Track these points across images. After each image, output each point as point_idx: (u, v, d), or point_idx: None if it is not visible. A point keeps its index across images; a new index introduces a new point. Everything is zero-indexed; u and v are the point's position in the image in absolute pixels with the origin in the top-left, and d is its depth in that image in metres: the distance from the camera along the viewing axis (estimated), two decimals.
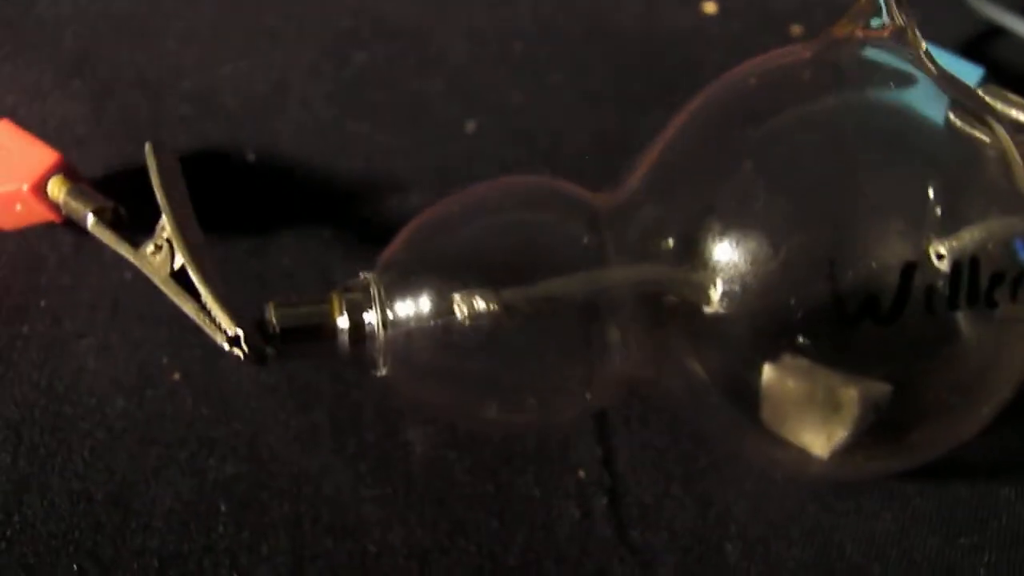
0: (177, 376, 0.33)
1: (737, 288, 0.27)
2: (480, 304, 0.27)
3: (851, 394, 0.29)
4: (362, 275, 0.28)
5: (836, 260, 0.26)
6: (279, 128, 0.42)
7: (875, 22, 0.29)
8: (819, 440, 0.30)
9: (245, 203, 0.39)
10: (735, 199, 0.27)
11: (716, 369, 0.29)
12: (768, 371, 0.29)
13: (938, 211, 0.27)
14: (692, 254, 0.27)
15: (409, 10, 0.48)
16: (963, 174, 0.28)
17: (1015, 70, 0.48)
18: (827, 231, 0.27)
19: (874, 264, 0.27)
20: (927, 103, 0.29)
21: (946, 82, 0.29)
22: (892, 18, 0.29)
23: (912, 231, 0.27)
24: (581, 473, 0.32)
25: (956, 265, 0.27)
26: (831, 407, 0.29)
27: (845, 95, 0.29)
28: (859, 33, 0.29)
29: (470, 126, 0.41)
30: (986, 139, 0.29)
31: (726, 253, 0.27)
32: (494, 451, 0.32)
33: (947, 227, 0.27)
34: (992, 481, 0.32)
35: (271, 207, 0.39)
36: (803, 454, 0.29)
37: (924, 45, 0.30)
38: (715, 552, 0.30)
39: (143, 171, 0.33)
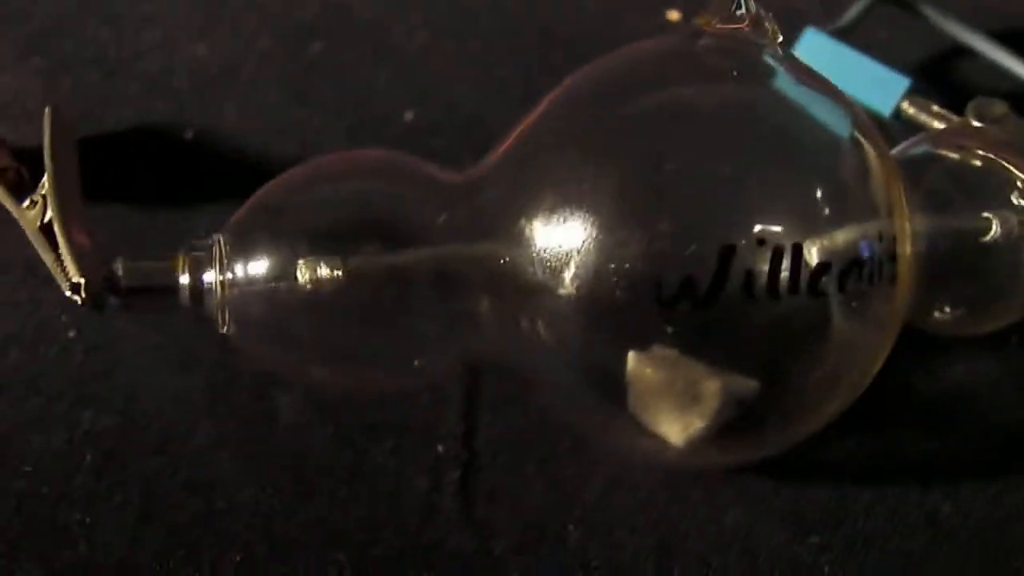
0: (72, 333, 0.34)
1: (580, 270, 0.27)
2: (324, 270, 0.28)
3: (712, 387, 0.29)
4: (213, 236, 0.29)
5: (657, 243, 0.27)
6: (223, 110, 0.43)
7: (739, 13, 0.30)
8: (675, 430, 0.30)
9: (176, 178, 0.40)
10: (568, 181, 0.28)
11: (570, 352, 0.29)
12: (632, 359, 0.29)
13: (770, 198, 0.27)
14: (536, 235, 0.28)
15: (377, 3, 0.50)
16: (808, 167, 0.28)
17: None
18: (653, 214, 0.27)
19: (694, 247, 0.27)
20: (775, 93, 0.29)
21: (804, 75, 0.29)
22: (748, 10, 0.29)
23: (735, 215, 0.27)
24: (440, 447, 0.32)
25: (776, 250, 0.27)
26: (691, 398, 0.30)
27: (692, 82, 0.29)
28: (718, 24, 0.30)
29: (408, 115, 0.42)
30: (843, 135, 0.29)
31: (562, 235, 0.27)
32: (360, 422, 0.32)
33: (780, 216, 0.27)
34: (854, 484, 0.32)
35: (200, 183, 0.40)
36: (661, 442, 0.30)
37: (780, 37, 0.30)
38: (556, 533, 0.31)
39: (83, 142, 0.35)
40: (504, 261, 0.28)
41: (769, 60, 0.29)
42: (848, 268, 0.27)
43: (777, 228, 0.27)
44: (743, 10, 0.29)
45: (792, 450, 0.31)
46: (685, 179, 0.27)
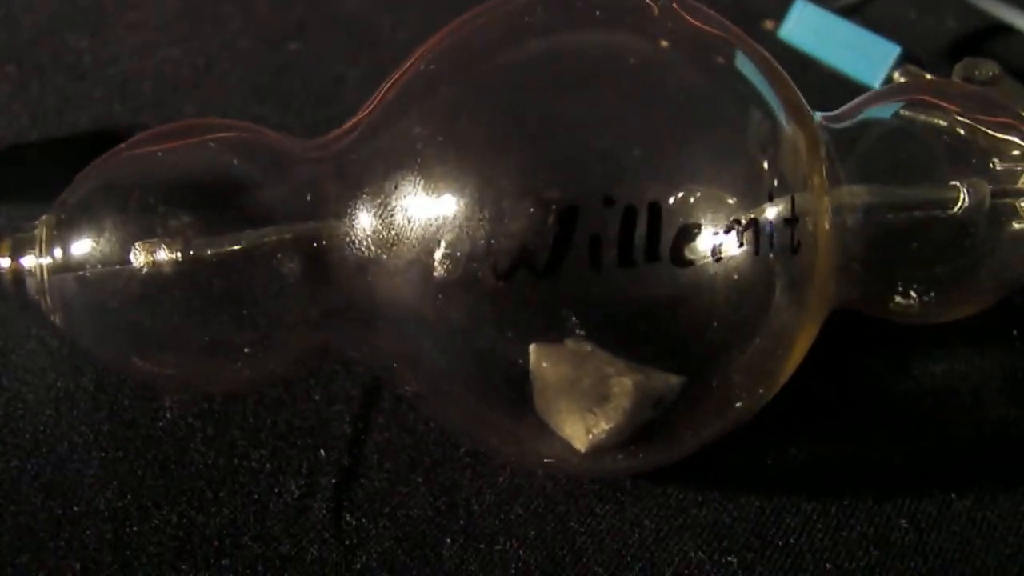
0: None
1: (450, 249, 0.24)
2: (162, 253, 0.25)
3: (624, 384, 0.26)
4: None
5: (491, 212, 0.24)
6: (182, 112, 0.42)
7: None
8: (579, 432, 0.26)
9: None
10: (418, 153, 0.25)
11: (450, 343, 0.26)
12: (534, 352, 0.26)
13: (622, 152, 0.24)
14: (392, 212, 0.25)
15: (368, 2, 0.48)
16: (673, 121, 0.24)
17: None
18: (496, 176, 0.24)
19: (532, 210, 0.23)
20: (646, 42, 0.25)
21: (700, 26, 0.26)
22: None
23: (576, 173, 0.23)
24: (322, 452, 0.29)
25: (628, 211, 0.23)
26: (598, 397, 0.26)
27: (546, 29, 0.26)
28: None
29: None
30: (730, 90, 0.25)
31: (423, 209, 0.24)
32: (245, 423, 0.30)
33: (631, 172, 0.24)
34: (795, 496, 0.28)
35: None
36: (565, 447, 0.26)
37: None
38: (432, 545, 0.27)
39: (31, 146, 0.36)
40: (358, 240, 0.25)
41: (665, 20, 0.26)
42: (725, 232, 0.23)
43: (630, 186, 0.23)
44: None
45: (721, 456, 0.28)
46: (532, 136, 0.24)
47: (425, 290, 0.24)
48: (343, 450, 0.29)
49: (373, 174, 0.24)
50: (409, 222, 0.24)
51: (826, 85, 0.39)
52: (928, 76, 0.35)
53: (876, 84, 0.36)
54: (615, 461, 0.27)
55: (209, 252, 0.26)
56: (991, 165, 0.28)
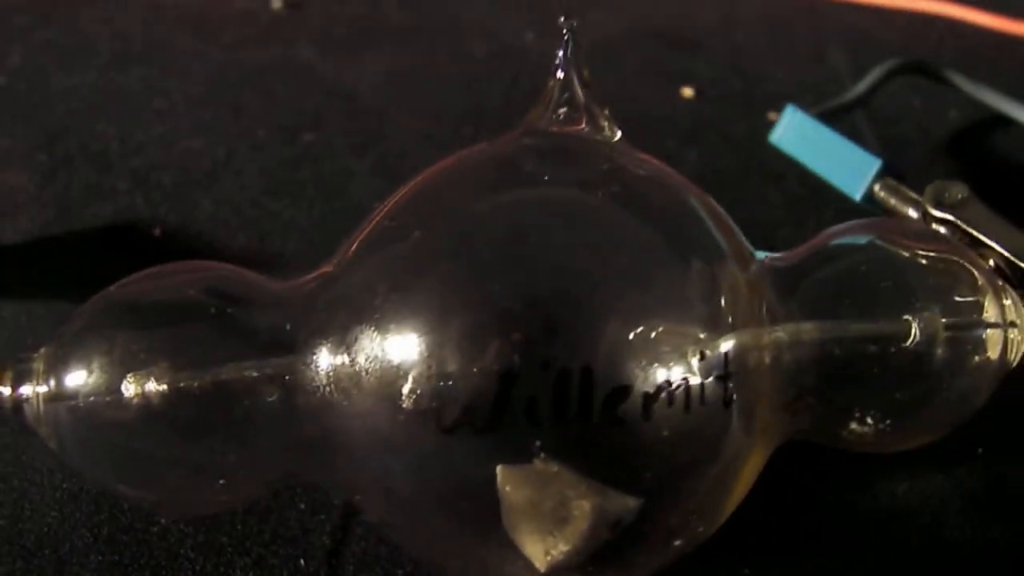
0: None
1: (416, 385, 0.26)
2: (152, 384, 0.27)
3: (583, 507, 0.27)
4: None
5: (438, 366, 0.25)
6: (199, 205, 0.44)
7: (560, 112, 0.28)
8: (539, 552, 0.28)
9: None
10: (385, 312, 0.26)
11: (423, 473, 0.27)
12: (501, 473, 0.27)
13: (561, 319, 0.25)
14: (361, 350, 0.27)
15: (380, 92, 0.50)
16: (610, 284, 0.26)
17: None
18: (442, 335, 0.26)
19: (475, 371, 0.25)
20: (587, 199, 0.27)
21: (642, 173, 0.27)
22: (579, 106, 0.27)
23: (518, 337, 0.25)
24: (302, 562, 0.31)
25: (563, 374, 0.24)
26: (559, 518, 0.27)
27: (509, 188, 0.27)
28: (552, 120, 0.28)
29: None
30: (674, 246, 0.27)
31: (390, 350, 0.26)
32: (232, 532, 0.32)
33: (569, 336, 0.25)
34: None
35: None
36: (528, 566, 0.28)
37: (618, 133, 0.28)
38: None
39: (53, 240, 0.37)
40: (320, 381, 0.27)
41: (600, 159, 0.27)
42: (656, 394, 0.25)
43: (566, 349, 0.25)
44: (565, 108, 0.27)
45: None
46: (477, 297, 0.26)
47: (388, 427, 0.26)
48: (322, 560, 0.31)
49: (334, 323, 0.26)
50: (367, 372, 0.25)
51: None
52: (904, 190, 0.36)
53: (857, 196, 0.37)
54: None
55: (195, 384, 0.27)
56: (947, 298, 0.29)
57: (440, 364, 0.25)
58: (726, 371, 0.25)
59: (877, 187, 0.37)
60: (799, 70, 0.54)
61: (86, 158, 0.47)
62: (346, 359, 0.26)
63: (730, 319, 0.26)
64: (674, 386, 0.25)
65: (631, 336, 0.25)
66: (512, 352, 0.25)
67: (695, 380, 0.25)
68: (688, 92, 0.48)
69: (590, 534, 0.27)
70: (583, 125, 0.28)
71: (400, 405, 0.25)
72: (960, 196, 0.33)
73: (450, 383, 0.25)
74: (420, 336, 0.25)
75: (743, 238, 0.27)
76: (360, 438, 0.27)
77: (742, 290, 0.26)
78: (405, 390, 0.25)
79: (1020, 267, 0.31)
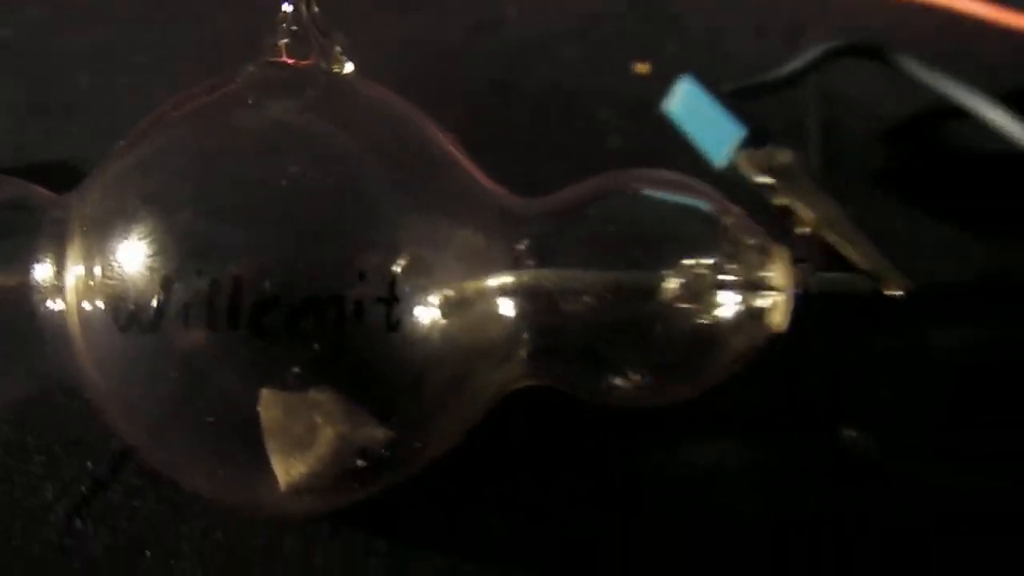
0: None
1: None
2: None
3: (327, 434, 0.28)
4: None
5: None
6: None
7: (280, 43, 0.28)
8: (281, 472, 0.29)
9: None
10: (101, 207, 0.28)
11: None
12: (264, 396, 0.28)
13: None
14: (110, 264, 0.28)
15: None
16: (273, 201, 0.26)
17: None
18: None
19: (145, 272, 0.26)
20: (294, 121, 0.27)
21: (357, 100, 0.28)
22: (308, 38, 0.28)
23: (182, 245, 0.26)
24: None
25: (214, 283, 0.25)
26: (303, 443, 0.28)
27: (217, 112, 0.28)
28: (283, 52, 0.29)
29: None
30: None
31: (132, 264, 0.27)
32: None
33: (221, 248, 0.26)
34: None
35: None
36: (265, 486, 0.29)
37: (350, 67, 0.28)
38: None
39: None
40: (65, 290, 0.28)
41: (316, 87, 0.28)
42: (306, 307, 0.25)
43: (220, 260, 0.26)
44: (286, 39, 0.28)
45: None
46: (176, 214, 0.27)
47: (91, 333, 0.27)
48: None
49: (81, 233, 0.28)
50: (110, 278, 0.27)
51: None
52: (765, 161, 0.35)
53: (718, 164, 0.36)
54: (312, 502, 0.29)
55: None
56: (705, 255, 0.28)
57: (121, 268, 0.26)
58: (391, 295, 0.25)
59: (734, 156, 0.36)
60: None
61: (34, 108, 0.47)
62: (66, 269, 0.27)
63: (418, 247, 0.26)
64: (321, 302, 0.25)
65: (294, 252, 0.25)
66: (179, 260, 0.25)
67: (351, 302, 0.25)
68: (643, 68, 0.47)
69: (333, 460, 0.27)
70: (312, 58, 0.28)
71: (96, 308, 0.26)
72: (784, 162, 0.32)
73: (125, 284, 0.26)
74: (114, 243, 0.26)
75: (486, 181, 0.27)
76: (104, 349, 0.27)
77: (465, 229, 0.26)
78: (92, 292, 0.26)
79: (824, 237, 0.30)
